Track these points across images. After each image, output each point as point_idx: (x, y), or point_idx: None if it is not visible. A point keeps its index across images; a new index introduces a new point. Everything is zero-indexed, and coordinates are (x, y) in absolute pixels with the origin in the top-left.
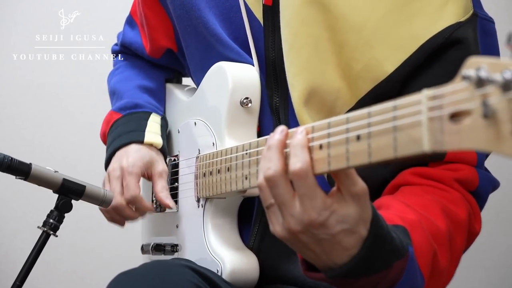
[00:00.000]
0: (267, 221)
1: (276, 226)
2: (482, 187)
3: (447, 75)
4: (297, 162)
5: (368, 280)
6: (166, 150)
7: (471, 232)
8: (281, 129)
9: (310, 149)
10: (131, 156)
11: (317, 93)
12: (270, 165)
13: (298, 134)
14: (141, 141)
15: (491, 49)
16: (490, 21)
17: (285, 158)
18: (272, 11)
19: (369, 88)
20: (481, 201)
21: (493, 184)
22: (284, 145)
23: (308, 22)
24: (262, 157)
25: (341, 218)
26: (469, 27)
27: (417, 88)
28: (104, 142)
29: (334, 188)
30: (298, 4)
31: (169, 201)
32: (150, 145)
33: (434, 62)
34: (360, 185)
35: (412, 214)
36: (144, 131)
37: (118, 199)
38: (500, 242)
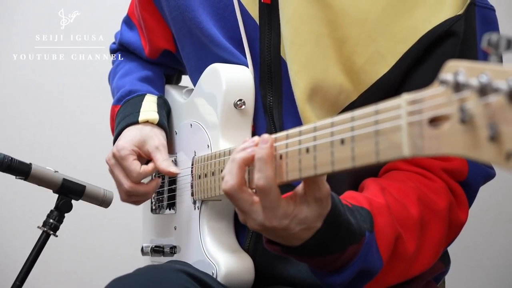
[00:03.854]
0: None
1: (241, 220)
2: (471, 177)
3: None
4: (261, 178)
5: (322, 259)
6: (164, 124)
7: (453, 222)
8: (243, 145)
9: (275, 159)
10: (121, 139)
11: (320, 89)
12: (228, 178)
13: (263, 147)
14: (136, 122)
15: None
16: (490, 9)
17: (246, 172)
18: (270, 9)
19: (371, 81)
20: (471, 191)
21: (486, 175)
22: (246, 163)
23: (308, 19)
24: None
25: (301, 221)
26: (463, 20)
27: (414, 83)
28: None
29: (299, 188)
30: (298, 1)
31: (173, 168)
32: (146, 123)
33: (429, 55)
34: (325, 189)
35: (382, 198)
36: (139, 111)
37: (126, 184)
38: (499, 242)
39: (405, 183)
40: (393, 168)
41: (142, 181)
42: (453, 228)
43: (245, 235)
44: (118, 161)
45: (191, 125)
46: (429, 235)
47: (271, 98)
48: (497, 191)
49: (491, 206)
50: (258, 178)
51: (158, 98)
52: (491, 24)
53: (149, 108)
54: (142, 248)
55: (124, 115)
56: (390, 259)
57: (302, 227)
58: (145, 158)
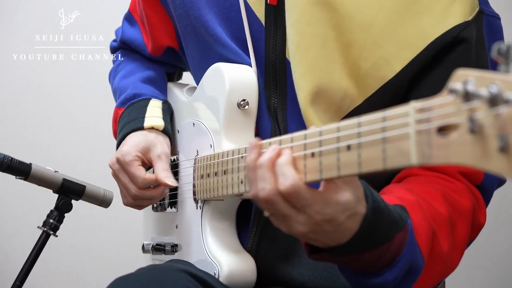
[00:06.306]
0: (265, 223)
1: (284, 228)
2: (487, 181)
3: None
4: (286, 180)
5: (373, 253)
6: (169, 131)
7: (475, 224)
8: (272, 147)
9: (297, 160)
10: (126, 144)
11: (325, 92)
12: (264, 185)
13: (284, 154)
14: (141, 127)
15: None
16: (496, 17)
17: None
18: (276, 10)
19: (377, 87)
20: (487, 195)
21: (499, 179)
22: (274, 163)
23: (315, 22)
24: (253, 174)
25: (343, 207)
26: (474, 26)
27: (423, 89)
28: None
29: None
30: (305, 3)
31: (168, 180)
32: (151, 129)
33: (440, 62)
34: None
35: (411, 196)
36: (144, 117)
37: (133, 188)
38: (500, 242)
39: (427, 184)
40: (408, 175)
41: None
42: (475, 230)
43: (247, 236)
44: (122, 166)
45: (193, 124)
46: (457, 234)
47: (276, 100)
48: (497, 191)
49: (491, 206)
50: (283, 182)
51: (163, 103)
52: (497, 33)
53: (154, 114)
54: (143, 245)
55: (128, 119)
56: (429, 258)
57: (347, 213)
58: (148, 164)
